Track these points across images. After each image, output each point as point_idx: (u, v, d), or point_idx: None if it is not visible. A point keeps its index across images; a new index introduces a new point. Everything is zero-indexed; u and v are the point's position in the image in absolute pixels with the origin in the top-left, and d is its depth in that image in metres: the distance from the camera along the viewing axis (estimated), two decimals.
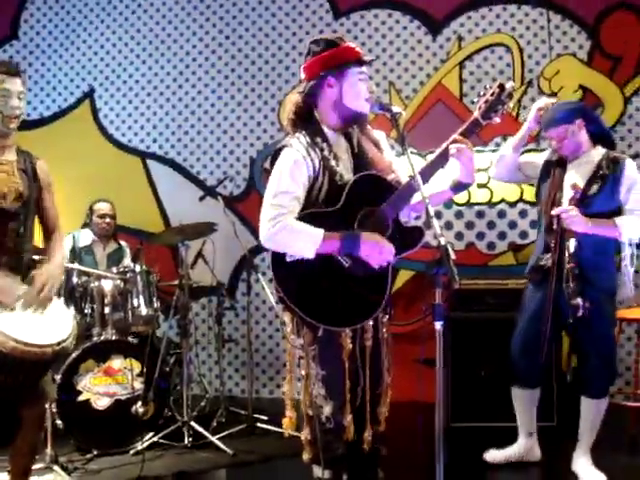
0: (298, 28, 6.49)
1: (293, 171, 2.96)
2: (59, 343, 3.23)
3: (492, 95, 2.98)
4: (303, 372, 3.09)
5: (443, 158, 2.94)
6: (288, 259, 2.97)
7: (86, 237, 5.76)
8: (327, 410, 3.04)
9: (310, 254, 2.90)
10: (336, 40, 3.08)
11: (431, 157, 3.00)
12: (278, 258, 2.99)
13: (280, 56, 6.51)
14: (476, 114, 3.00)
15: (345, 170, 3.03)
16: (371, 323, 3.08)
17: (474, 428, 5.05)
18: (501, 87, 2.98)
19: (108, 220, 5.75)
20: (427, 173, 2.94)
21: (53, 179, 3.69)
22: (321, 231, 2.88)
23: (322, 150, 3.01)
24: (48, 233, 3.67)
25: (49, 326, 3.30)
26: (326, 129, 3.07)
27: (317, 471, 3.14)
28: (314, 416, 3.06)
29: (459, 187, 3.09)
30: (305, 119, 3.10)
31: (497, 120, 3.00)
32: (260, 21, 6.56)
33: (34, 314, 3.30)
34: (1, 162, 3.42)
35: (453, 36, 6.20)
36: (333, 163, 3.00)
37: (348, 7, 6.43)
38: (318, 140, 3.03)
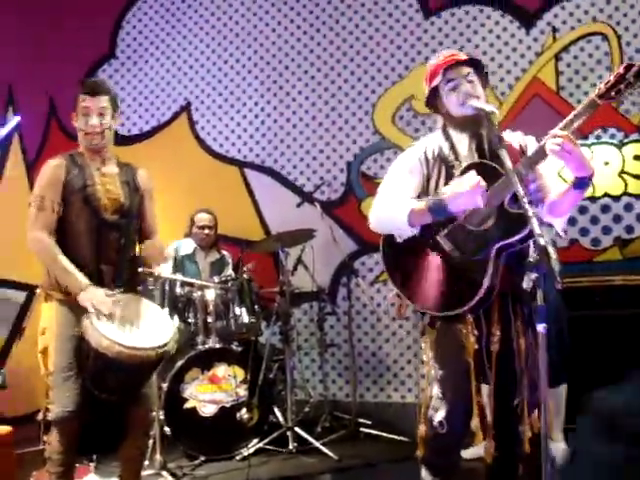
0: (389, 29, 6.57)
1: (405, 163, 3.16)
2: (162, 346, 3.38)
3: (616, 75, 2.77)
4: (424, 370, 3.14)
5: (541, 155, 2.87)
6: (397, 240, 3.08)
7: (188, 246, 5.95)
8: (441, 414, 3.03)
9: (404, 225, 2.98)
10: (429, 64, 3.25)
11: (529, 154, 2.96)
12: (387, 251, 3.16)
13: (372, 59, 6.60)
14: (592, 94, 2.79)
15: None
16: (499, 327, 3.02)
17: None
18: (628, 67, 2.75)
19: (207, 231, 5.94)
20: (524, 170, 2.87)
21: (154, 186, 3.92)
22: (408, 206, 2.98)
23: (441, 148, 3.13)
24: (144, 237, 3.86)
25: (151, 331, 3.46)
26: (450, 129, 3.18)
27: (425, 475, 3.15)
28: (429, 420, 3.07)
29: (579, 183, 2.91)
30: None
31: (618, 99, 2.81)
32: (350, 25, 6.67)
33: (138, 320, 3.48)
34: (104, 174, 3.62)
35: (547, 28, 6.14)
36: (451, 158, 3.09)
37: (438, 5, 6.50)
38: (442, 138, 3.16)
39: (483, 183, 2.85)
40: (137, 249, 3.81)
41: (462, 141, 3.13)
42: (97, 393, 3.42)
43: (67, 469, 3.41)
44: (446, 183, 3.04)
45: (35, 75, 6.78)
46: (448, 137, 3.14)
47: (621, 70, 2.76)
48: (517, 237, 2.93)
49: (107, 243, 3.56)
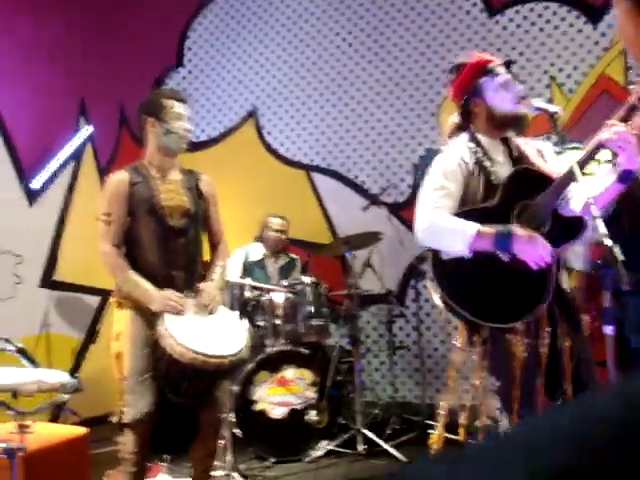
0: (452, 30, 6.56)
1: (446, 170, 3.09)
2: (235, 354, 3.45)
3: None
4: (476, 382, 3.06)
5: (597, 147, 2.88)
6: (443, 257, 3.02)
7: (257, 251, 6.03)
8: (503, 425, 3.02)
9: (462, 250, 2.91)
10: (463, 61, 3.25)
11: (587, 146, 2.96)
12: (436, 256, 3.05)
13: (436, 60, 6.61)
14: (630, 99, 2.90)
15: (502, 172, 3.09)
16: (548, 329, 3.01)
17: None
18: None
19: (280, 236, 6.00)
20: (581, 164, 2.88)
21: (217, 192, 4.01)
22: (475, 226, 2.89)
23: (476, 153, 3.09)
24: (213, 245, 3.98)
25: (225, 337, 3.55)
26: (480, 136, 3.14)
27: None
28: (491, 432, 3.06)
29: (625, 176, 2.94)
30: (460, 131, 3.20)
31: None
32: (413, 26, 6.70)
33: (211, 326, 3.56)
34: (169, 181, 3.75)
35: (615, 22, 6.02)
36: (488, 164, 3.07)
37: (502, 3, 6.47)
38: (472, 145, 3.12)
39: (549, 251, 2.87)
40: (204, 254, 3.90)
41: (493, 146, 3.14)
42: (171, 397, 3.52)
43: (140, 469, 3.53)
44: (485, 190, 3.03)
45: (105, 86, 6.98)
46: (479, 143, 3.13)
47: None
48: (576, 240, 2.96)
49: (175, 249, 3.67)
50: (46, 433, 3.65)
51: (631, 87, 2.97)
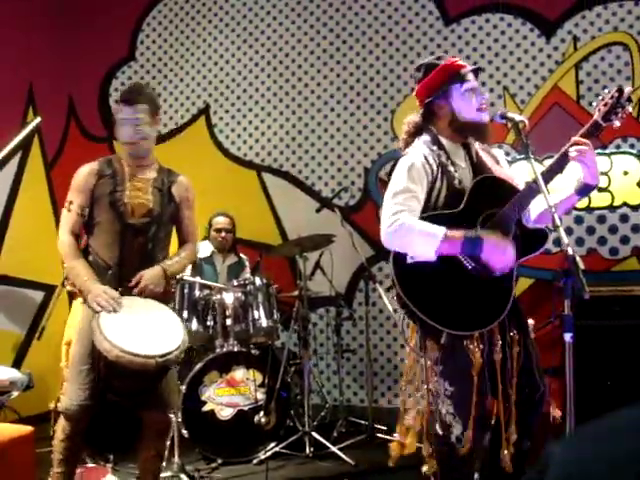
0: (408, 36, 6.62)
1: (411, 172, 3.09)
2: (164, 355, 3.38)
3: (611, 98, 2.97)
4: (429, 387, 3.07)
5: (563, 161, 2.96)
6: (409, 260, 3.03)
7: (206, 249, 6.00)
8: (457, 430, 3.01)
9: (430, 254, 2.94)
10: (434, 62, 3.28)
11: (551, 160, 3.02)
12: (399, 259, 3.06)
13: (391, 65, 6.66)
14: (596, 116, 2.99)
15: (464, 177, 3.13)
16: (499, 336, 3.07)
17: None
18: (619, 91, 2.98)
19: (224, 234, 5.98)
20: (547, 176, 2.96)
21: (194, 195, 3.96)
22: (442, 229, 2.91)
23: (439, 156, 3.12)
24: (181, 243, 3.94)
25: (158, 338, 3.48)
26: (443, 139, 3.16)
27: None
28: (442, 436, 3.04)
29: (584, 190, 3.07)
30: (421, 133, 3.20)
31: (617, 123, 2.99)
32: (370, 31, 6.73)
33: (146, 325, 3.50)
34: (138, 179, 3.72)
35: (568, 37, 6.17)
36: (451, 169, 3.11)
37: (458, 13, 6.54)
38: (435, 148, 3.16)
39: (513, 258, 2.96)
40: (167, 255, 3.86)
41: (455, 150, 3.18)
42: (110, 396, 3.49)
43: (68, 457, 3.52)
44: (448, 194, 3.06)
45: (54, 75, 6.85)
46: (442, 146, 3.16)
47: (614, 93, 2.96)
48: (540, 250, 3.02)
49: (131, 247, 3.64)
50: None
51: (594, 104, 3.03)
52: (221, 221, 6.03)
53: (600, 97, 3.04)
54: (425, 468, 3.14)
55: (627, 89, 2.99)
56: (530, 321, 3.26)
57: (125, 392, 3.54)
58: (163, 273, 3.65)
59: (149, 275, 3.61)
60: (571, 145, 2.95)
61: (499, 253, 2.93)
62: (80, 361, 3.48)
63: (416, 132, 3.26)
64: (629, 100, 2.98)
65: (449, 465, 3.07)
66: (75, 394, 3.45)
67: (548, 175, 2.95)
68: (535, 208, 3.17)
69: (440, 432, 3.05)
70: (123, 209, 3.61)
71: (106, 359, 3.29)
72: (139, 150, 3.68)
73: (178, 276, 4.91)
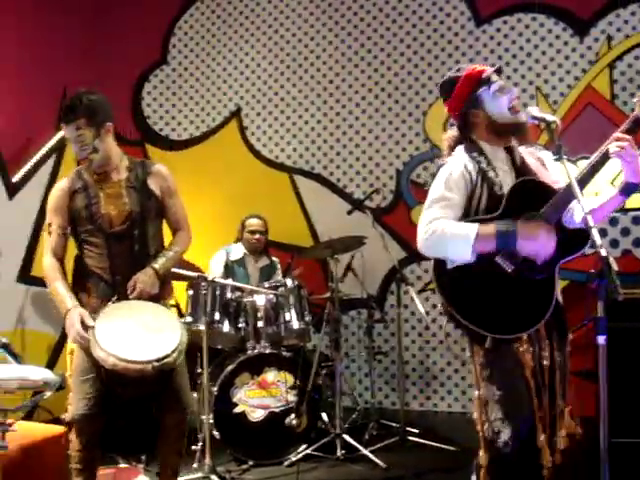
0: (440, 37, 6.59)
1: (448, 181, 3.06)
2: (160, 359, 3.35)
3: None
4: (477, 392, 3.03)
5: (603, 158, 2.89)
6: (449, 266, 3.01)
7: (238, 251, 6.00)
8: (505, 435, 2.93)
9: (467, 254, 2.92)
10: (456, 75, 3.21)
11: (590, 160, 2.94)
12: (440, 266, 3.03)
13: (422, 66, 6.64)
14: (637, 111, 2.90)
15: (505, 182, 3.08)
16: (547, 342, 3.03)
17: (636, 444, 4.89)
18: None
19: (258, 236, 5.97)
20: (587, 175, 2.89)
21: (173, 180, 3.82)
22: (474, 227, 2.89)
23: (479, 162, 3.08)
24: (173, 232, 3.89)
25: (155, 341, 3.44)
26: (483, 144, 3.14)
27: None
28: (491, 442, 2.97)
29: (629, 189, 2.97)
30: (461, 142, 3.21)
31: None
32: (401, 32, 6.72)
33: (141, 329, 3.47)
34: (110, 185, 3.66)
35: (601, 36, 6.10)
36: (492, 174, 3.06)
37: (490, 13, 6.49)
38: (475, 154, 3.12)
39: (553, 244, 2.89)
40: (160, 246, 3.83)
41: (496, 155, 3.13)
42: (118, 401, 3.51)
43: (85, 467, 3.49)
44: (488, 200, 3.02)
45: (88, 78, 6.89)
46: (482, 152, 3.12)
47: None
48: (581, 251, 2.96)
49: (119, 254, 3.61)
50: (25, 431, 3.60)
51: (635, 99, 2.96)
52: (254, 223, 6.04)
53: None
54: (473, 478, 3.09)
55: None
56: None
57: (132, 397, 3.52)
58: (155, 273, 3.62)
59: (142, 279, 3.56)
60: (612, 141, 2.87)
61: (535, 240, 2.87)
62: (82, 371, 3.48)
63: (456, 145, 3.24)
64: None
65: (501, 471, 3.01)
66: (80, 404, 3.45)
67: (588, 173, 2.88)
68: (579, 210, 3.09)
69: (489, 437, 2.99)
70: (101, 221, 3.58)
71: (104, 367, 3.30)
72: (94, 163, 3.60)
73: (210, 278, 4.94)
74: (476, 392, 3.04)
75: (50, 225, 3.61)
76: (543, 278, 2.95)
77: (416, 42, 6.67)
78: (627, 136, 2.85)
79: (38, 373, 3.24)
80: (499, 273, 2.95)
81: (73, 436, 3.48)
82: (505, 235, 2.88)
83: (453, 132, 3.27)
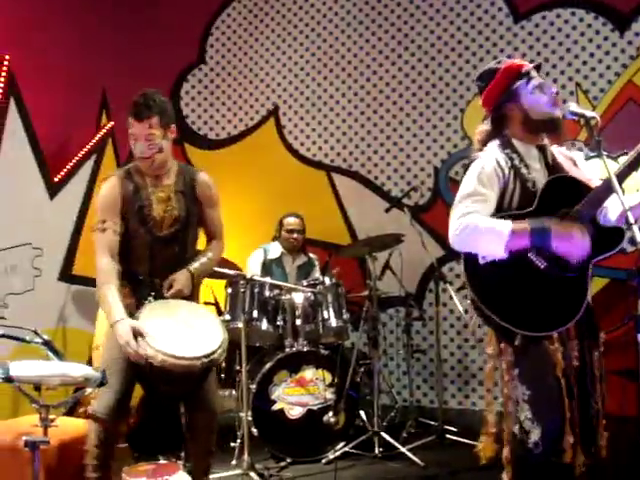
0: (477, 34, 6.55)
1: (481, 176, 3.04)
2: (208, 355, 3.38)
3: None
4: (505, 391, 3.01)
5: (637, 160, 2.85)
6: (481, 261, 2.99)
7: (275, 250, 6.03)
8: (535, 435, 2.91)
9: (500, 250, 2.89)
10: (495, 67, 3.20)
11: (628, 156, 2.91)
12: (471, 261, 3.01)
13: (460, 63, 6.59)
14: None
15: (538, 179, 3.06)
16: (576, 342, 3.01)
17: None
18: None
19: (296, 235, 5.99)
20: (623, 173, 2.86)
21: (216, 190, 3.85)
22: (508, 223, 2.86)
23: (512, 159, 3.06)
24: (209, 240, 3.93)
25: (199, 338, 3.47)
26: (515, 141, 3.12)
27: None
28: (520, 441, 2.94)
29: None
30: (494, 137, 3.17)
31: None
32: (438, 29, 6.68)
33: (185, 327, 3.50)
34: (161, 188, 3.67)
35: None
36: (524, 171, 3.05)
37: (528, 9, 6.45)
38: (508, 151, 3.10)
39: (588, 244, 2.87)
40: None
41: (529, 152, 3.11)
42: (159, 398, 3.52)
43: (101, 463, 3.47)
44: (521, 197, 3.01)
45: (128, 79, 6.96)
46: (514, 149, 3.10)
47: None
48: (616, 249, 2.94)
49: (161, 256, 3.63)
50: (66, 427, 3.64)
51: None
52: (292, 222, 6.05)
53: None
54: (504, 475, 3.05)
55: None
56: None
57: (171, 394, 3.58)
58: (191, 276, 3.64)
59: (180, 279, 3.60)
60: None
61: (570, 239, 2.85)
62: (110, 365, 3.46)
63: (488, 140, 3.21)
64: None
65: (529, 470, 2.98)
66: (105, 397, 3.43)
67: (624, 171, 2.86)
68: (614, 207, 3.07)
69: (519, 437, 2.96)
70: (153, 223, 3.60)
71: (152, 365, 3.29)
72: (155, 163, 3.60)
73: (248, 276, 4.96)
74: (505, 390, 3.01)
75: (104, 222, 3.53)
76: (575, 276, 2.93)
77: (453, 39, 6.64)
78: None
79: (79, 370, 3.28)
80: (531, 270, 2.93)
81: (91, 429, 3.44)
82: (539, 233, 2.86)
83: (486, 126, 3.25)
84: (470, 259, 3.00)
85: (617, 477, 4.46)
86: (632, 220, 2.56)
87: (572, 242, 2.86)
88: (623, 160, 2.94)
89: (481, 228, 2.91)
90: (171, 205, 3.65)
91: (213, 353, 3.39)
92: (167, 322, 3.46)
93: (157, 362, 3.27)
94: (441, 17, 6.68)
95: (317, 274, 5.97)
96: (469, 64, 6.54)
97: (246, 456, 4.70)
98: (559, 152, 3.20)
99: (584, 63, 6.21)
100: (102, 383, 3.27)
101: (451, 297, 5.44)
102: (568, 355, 2.96)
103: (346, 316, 5.45)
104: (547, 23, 6.34)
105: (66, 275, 6.13)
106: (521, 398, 2.94)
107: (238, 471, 4.68)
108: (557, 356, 2.91)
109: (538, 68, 3.22)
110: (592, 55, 6.19)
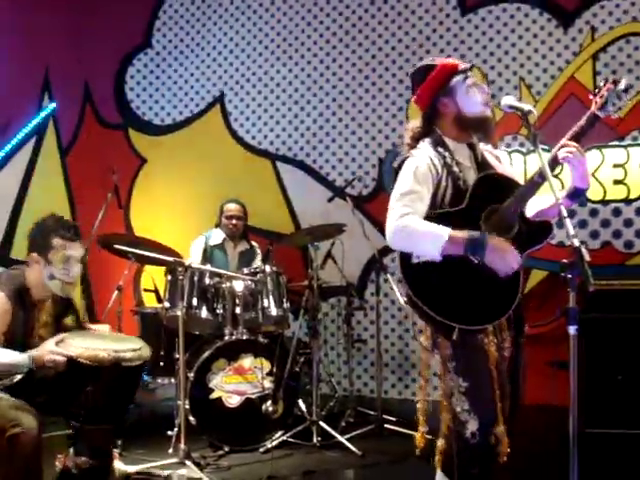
0: (425, 26, 6.55)
1: (417, 174, 3.04)
2: (117, 351, 3.44)
3: (607, 90, 2.94)
4: (440, 383, 3.03)
5: (553, 163, 2.94)
6: (414, 260, 2.99)
7: (217, 236, 5.99)
8: (472, 426, 2.94)
9: (435, 254, 2.90)
10: (431, 63, 3.20)
11: (545, 165, 2.89)
12: (406, 258, 3.01)
13: (407, 54, 6.61)
14: (593, 108, 2.95)
15: (469, 176, 3.09)
16: (507, 334, 3.05)
17: (610, 435, 4.90)
18: (615, 82, 2.95)
19: (235, 221, 5.96)
20: (537, 182, 2.92)
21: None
22: (446, 230, 2.86)
23: (444, 157, 3.08)
24: None
25: (116, 343, 3.58)
26: (447, 139, 3.14)
27: None
28: (457, 433, 2.96)
29: (575, 194, 3.05)
30: (425, 135, 3.18)
31: (614, 115, 2.98)
32: (386, 20, 6.67)
33: (105, 339, 3.61)
34: (43, 322, 3.63)
35: (585, 27, 6.07)
36: (456, 169, 3.07)
37: (475, 2, 6.47)
38: (440, 149, 3.12)
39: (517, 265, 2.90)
40: None
41: (460, 150, 3.13)
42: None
43: None
44: (453, 194, 3.02)
45: (71, 61, 6.84)
46: (446, 147, 3.11)
47: (610, 85, 2.94)
48: (544, 242, 3.00)
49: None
50: None
51: (591, 97, 2.98)
52: (232, 208, 6.01)
53: (596, 89, 3.00)
54: (436, 462, 3.09)
55: (624, 80, 2.96)
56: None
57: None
58: None
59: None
60: (560, 147, 2.92)
61: (504, 257, 2.87)
62: None
63: (420, 137, 3.21)
64: (626, 91, 2.95)
65: (467, 461, 2.99)
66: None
67: (539, 178, 2.90)
68: (532, 206, 3.12)
69: (455, 428, 2.98)
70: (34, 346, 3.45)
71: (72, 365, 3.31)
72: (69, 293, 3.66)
73: (187, 263, 4.89)
74: (440, 383, 3.03)
75: None
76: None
77: (401, 30, 6.62)
78: (574, 143, 2.91)
79: (6, 355, 3.24)
80: (466, 265, 2.94)
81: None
82: (475, 244, 2.87)
83: (417, 123, 3.24)
84: (405, 256, 3.00)
85: (547, 465, 4.53)
86: (565, 213, 2.60)
87: (505, 260, 2.87)
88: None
89: (419, 231, 2.91)
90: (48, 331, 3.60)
91: (125, 352, 3.45)
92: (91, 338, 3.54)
93: (82, 356, 3.30)
94: (389, 7, 6.66)
95: (259, 262, 5.93)
96: (415, 55, 6.52)
97: (183, 445, 4.63)
98: (486, 150, 3.23)
99: (528, 58, 6.24)
100: (31, 369, 3.22)
101: (392, 287, 5.44)
102: (501, 347, 3.00)
103: (286, 305, 5.42)
104: (493, 17, 6.36)
105: (4, 259, 6.02)
106: (457, 390, 2.96)
107: (175, 460, 4.61)
108: (491, 348, 2.95)
109: (472, 68, 3.25)
110: (536, 50, 6.23)
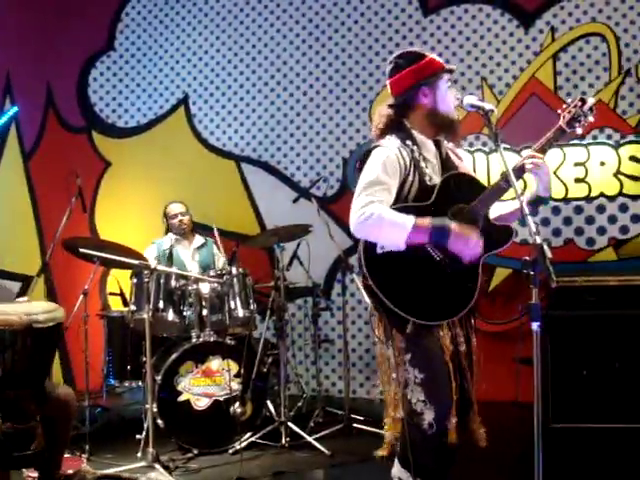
0: (387, 26, 6.59)
1: (385, 164, 3.05)
2: (29, 314, 3.42)
3: (575, 107, 3.03)
4: (394, 375, 3.07)
5: (519, 172, 3.00)
6: (379, 250, 3.02)
7: (167, 240, 5.98)
8: (429, 416, 2.97)
9: (400, 242, 2.93)
10: (422, 52, 3.23)
11: (509, 169, 2.93)
12: (369, 249, 3.04)
13: (370, 55, 6.62)
14: (560, 122, 3.03)
15: (434, 173, 3.13)
16: (460, 328, 3.11)
17: (576, 429, 4.95)
18: (582, 101, 3.04)
19: (181, 218, 5.98)
20: (504, 185, 2.99)
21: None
22: (411, 218, 2.89)
23: (412, 152, 3.09)
24: None
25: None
26: (416, 134, 3.15)
27: (399, 473, 3.14)
28: (414, 424, 3.01)
29: (537, 201, 3.13)
30: (394, 128, 3.19)
31: (579, 131, 3.05)
32: (349, 21, 6.69)
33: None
34: None
35: (546, 27, 6.16)
36: (423, 165, 3.10)
37: (437, 3, 6.51)
38: (408, 142, 3.14)
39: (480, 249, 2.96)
40: None
41: (426, 146, 3.16)
42: None
43: None
44: (418, 189, 3.05)
45: (33, 64, 6.77)
46: (415, 141, 3.13)
47: (578, 102, 3.04)
48: (505, 246, 3.07)
49: None
50: None
51: (559, 111, 3.04)
52: (174, 207, 6.03)
53: (565, 105, 3.06)
54: (380, 452, 3.23)
55: (590, 100, 3.05)
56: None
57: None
58: None
59: None
60: (527, 158, 2.99)
61: (466, 242, 2.91)
62: None
63: (390, 125, 3.21)
64: (591, 110, 3.04)
65: (426, 451, 3.04)
66: None
67: (505, 184, 2.96)
68: (495, 210, 3.18)
69: (410, 420, 3.02)
70: None
71: None
72: None
73: (152, 266, 4.86)
74: (394, 375, 3.07)
75: None
76: (467, 268, 2.99)
77: (364, 31, 6.65)
78: (540, 154, 2.98)
79: None
80: (427, 260, 2.99)
81: None
82: (439, 231, 2.91)
83: (389, 111, 3.24)
84: (369, 246, 3.02)
85: (514, 460, 4.57)
86: (527, 211, 2.64)
87: (467, 244, 2.92)
88: (526, 153, 3.04)
89: (384, 219, 2.92)
90: None
91: (36, 314, 3.44)
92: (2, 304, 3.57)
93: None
94: (352, 9, 6.69)
95: (216, 255, 5.93)
96: (378, 56, 6.56)
97: (151, 448, 4.59)
98: (449, 149, 3.28)
99: (490, 58, 6.31)
100: None
101: (358, 288, 5.44)
102: (455, 341, 3.06)
103: (253, 306, 5.40)
104: (455, 18, 6.41)
105: None
106: (413, 381, 3.01)
107: (143, 463, 4.57)
108: (446, 342, 3.01)
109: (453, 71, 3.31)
110: (498, 50, 6.29)
